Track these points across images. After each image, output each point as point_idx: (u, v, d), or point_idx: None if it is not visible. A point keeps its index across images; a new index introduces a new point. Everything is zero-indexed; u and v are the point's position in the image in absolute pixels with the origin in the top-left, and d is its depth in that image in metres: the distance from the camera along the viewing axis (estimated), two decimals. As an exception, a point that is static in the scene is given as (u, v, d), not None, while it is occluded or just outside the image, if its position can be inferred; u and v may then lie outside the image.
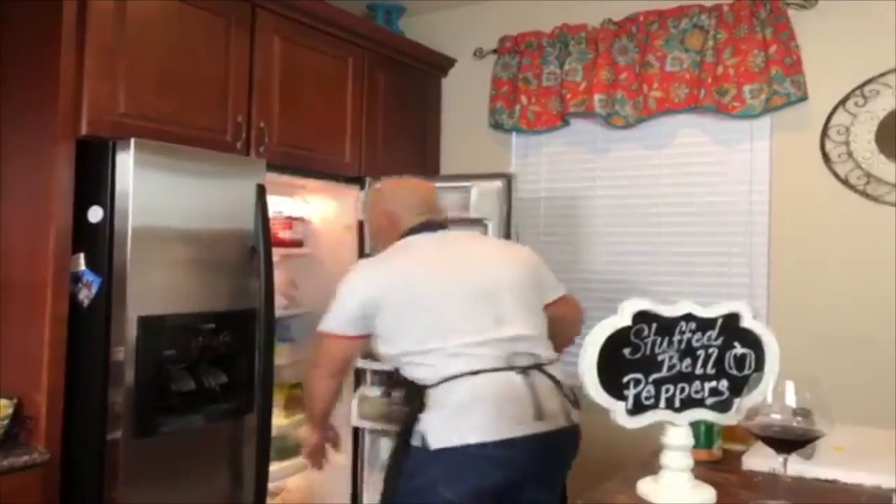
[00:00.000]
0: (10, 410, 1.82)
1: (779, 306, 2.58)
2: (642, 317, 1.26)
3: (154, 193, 1.91)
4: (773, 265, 2.60)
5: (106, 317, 1.88)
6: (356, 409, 2.58)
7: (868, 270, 2.44)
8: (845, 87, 2.48)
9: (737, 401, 1.28)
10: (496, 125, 3.04)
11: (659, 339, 1.27)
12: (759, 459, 1.37)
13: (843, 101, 2.48)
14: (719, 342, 1.30)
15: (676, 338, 1.28)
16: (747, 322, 1.30)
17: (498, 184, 2.59)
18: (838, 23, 2.48)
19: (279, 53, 2.44)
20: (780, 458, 1.19)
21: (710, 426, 1.44)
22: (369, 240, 2.32)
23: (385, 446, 2.53)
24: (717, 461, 1.44)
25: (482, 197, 2.58)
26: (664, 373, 1.27)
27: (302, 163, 2.55)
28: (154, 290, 1.91)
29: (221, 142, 2.24)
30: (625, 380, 1.25)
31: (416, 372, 1.74)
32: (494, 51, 3.06)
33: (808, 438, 1.16)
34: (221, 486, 2.10)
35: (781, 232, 2.60)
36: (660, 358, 1.27)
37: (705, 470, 1.39)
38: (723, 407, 1.29)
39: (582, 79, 2.81)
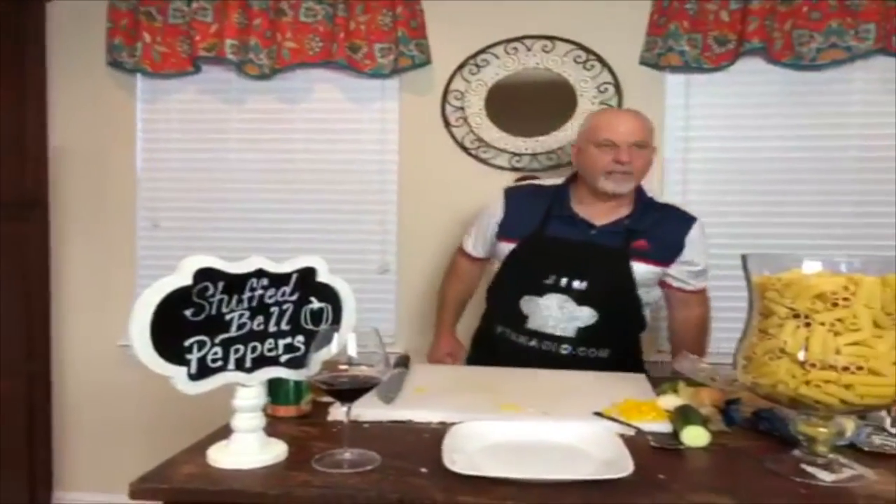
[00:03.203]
0: None
1: (406, 260, 2.73)
2: (206, 275, 1.17)
3: None
4: (401, 222, 2.73)
5: None
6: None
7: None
8: (463, 55, 2.67)
9: (311, 356, 1.26)
10: (115, 64, 2.68)
11: (227, 298, 1.19)
12: (341, 409, 1.38)
13: (460, 68, 2.67)
14: (294, 298, 1.27)
15: (247, 295, 1.22)
16: (323, 276, 1.29)
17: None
18: (460, -9, 2.65)
19: None
20: (344, 408, 1.21)
21: (297, 382, 1.43)
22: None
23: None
24: (305, 415, 1.43)
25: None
26: (233, 332, 1.20)
27: None
28: None
29: None
30: (187, 343, 1.15)
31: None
32: (109, -24, 2.68)
33: (367, 387, 1.19)
34: None
35: (409, 191, 2.73)
36: (228, 317, 1.19)
37: (291, 426, 1.37)
38: (299, 363, 1.27)
39: (213, 20, 2.60)
